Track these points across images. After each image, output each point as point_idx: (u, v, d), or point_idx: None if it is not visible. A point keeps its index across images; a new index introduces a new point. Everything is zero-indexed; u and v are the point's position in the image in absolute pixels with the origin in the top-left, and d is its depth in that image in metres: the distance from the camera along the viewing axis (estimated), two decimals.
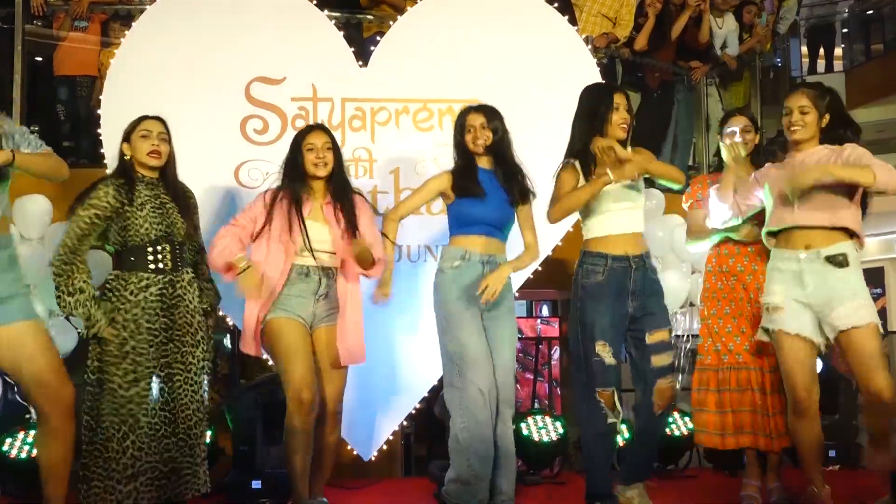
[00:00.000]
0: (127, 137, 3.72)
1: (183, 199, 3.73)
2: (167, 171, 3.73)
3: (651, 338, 3.67)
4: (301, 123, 4.94)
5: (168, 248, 3.60)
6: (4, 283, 2.93)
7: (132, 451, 3.46)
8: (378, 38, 5.34)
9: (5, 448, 4.35)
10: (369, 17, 5.95)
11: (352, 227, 3.82)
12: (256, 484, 4.26)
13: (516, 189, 3.87)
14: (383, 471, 5.07)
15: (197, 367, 3.64)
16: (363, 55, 5.22)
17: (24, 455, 4.33)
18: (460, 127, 3.92)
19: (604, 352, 3.62)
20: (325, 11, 5.18)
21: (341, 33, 5.17)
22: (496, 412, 3.75)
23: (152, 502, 3.50)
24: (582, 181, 3.68)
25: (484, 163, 3.91)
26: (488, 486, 3.77)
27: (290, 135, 4.83)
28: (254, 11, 5.03)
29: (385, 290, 3.91)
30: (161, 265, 3.58)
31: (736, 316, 4.06)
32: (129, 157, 3.70)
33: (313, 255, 3.78)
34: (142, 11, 5.17)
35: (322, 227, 3.83)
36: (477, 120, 3.87)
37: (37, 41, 6.17)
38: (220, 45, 4.96)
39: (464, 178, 3.86)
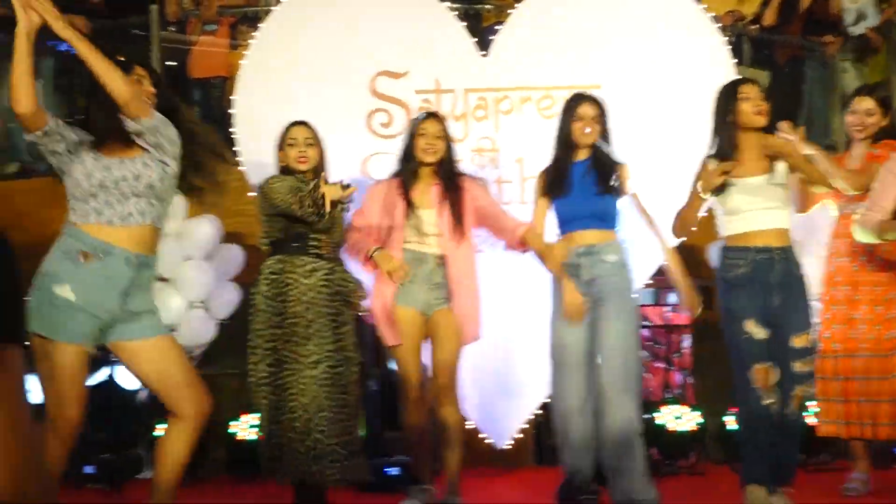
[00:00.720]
0: (281, 146, 3.84)
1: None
2: (317, 172, 3.79)
3: (797, 341, 3.57)
4: None
5: (326, 238, 3.72)
6: (140, 300, 3.04)
7: (315, 433, 3.57)
8: (497, 27, 5.33)
9: (232, 430, 4.69)
10: (488, 6, 5.96)
11: (457, 214, 3.87)
12: (394, 471, 4.34)
13: (606, 181, 3.81)
14: (516, 460, 5.07)
15: (308, 359, 3.65)
16: (484, 45, 5.22)
17: (251, 437, 4.60)
18: (569, 115, 3.87)
19: (752, 328, 3.54)
20: (446, 3, 5.21)
21: (463, 24, 5.19)
22: (606, 401, 3.70)
23: (337, 483, 3.64)
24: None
25: (582, 154, 3.86)
26: (588, 478, 3.75)
27: None
28: (376, 7, 5.12)
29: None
30: (321, 252, 3.70)
31: (864, 302, 3.90)
32: (284, 164, 3.83)
33: (423, 240, 3.86)
34: (268, 13, 5.33)
35: (429, 212, 3.89)
36: (589, 112, 3.82)
37: (171, 46, 6.46)
38: (345, 41, 5.06)
39: (551, 178, 3.87)
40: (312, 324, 3.64)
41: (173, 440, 3.08)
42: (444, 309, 3.90)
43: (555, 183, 3.83)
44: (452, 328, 3.88)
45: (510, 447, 4.93)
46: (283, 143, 3.84)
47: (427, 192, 3.93)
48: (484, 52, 5.14)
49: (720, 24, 5.80)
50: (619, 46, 5.04)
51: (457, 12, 5.29)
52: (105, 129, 3.01)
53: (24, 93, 2.89)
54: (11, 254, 1.15)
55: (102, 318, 2.94)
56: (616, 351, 3.70)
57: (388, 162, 4.93)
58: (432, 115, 4.04)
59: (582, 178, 3.81)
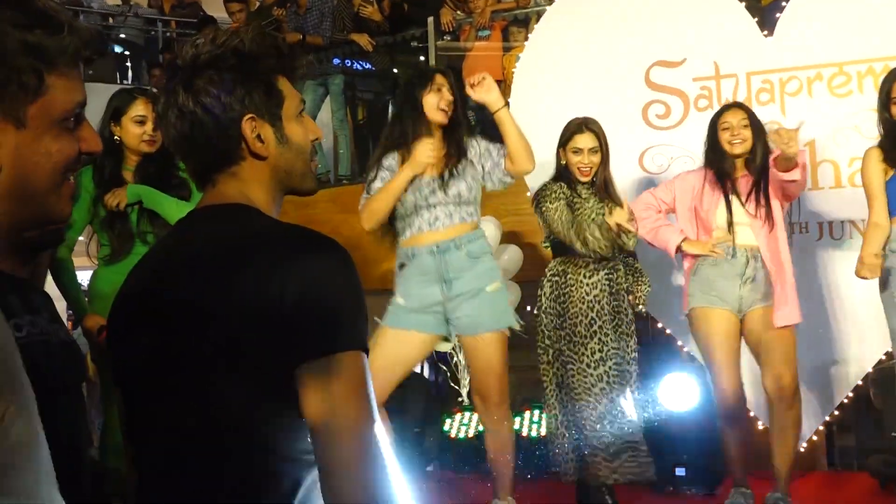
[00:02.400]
0: (563, 145, 3.81)
1: (612, 196, 3.74)
2: (598, 177, 3.76)
3: None
4: (704, 104, 4.82)
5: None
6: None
7: (609, 429, 3.60)
8: (783, 3, 5.00)
9: (446, 428, 4.82)
10: None
11: (766, 205, 3.63)
12: (680, 471, 4.22)
13: None
14: (809, 462, 4.76)
15: (591, 358, 3.64)
16: (766, 24, 4.94)
17: (462, 435, 4.76)
18: (884, 97, 3.54)
19: None
20: None
21: (742, 4, 4.94)
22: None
23: (638, 479, 3.65)
24: None
25: None
26: None
27: (694, 117, 4.79)
28: None
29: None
30: (599, 255, 3.67)
31: None
32: (564, 162, 3.80)
33: (734, 234, 3.66)
34: (539, 14, 5.39)
35: (738, 205, 3.68)
36: None
37: (447, 54, 6.73)
38: (618, 35, 5.01)
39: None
40: (594, 322, 3.63)
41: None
42: (763, 307, 3.66)
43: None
44: (780, 333, 3.64)
45: (804, 450, 4.62)
46: (566, 148, 3.78)
47: (736, 181, 3.71)
48: (766, 32, 4.85)
49: None
50: None
51: None
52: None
53: (379, 219, 3.34)
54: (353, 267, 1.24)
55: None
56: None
57: (665, 154, 4.86)
58: (734, 105, 3.86)
59: None
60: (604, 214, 3.63)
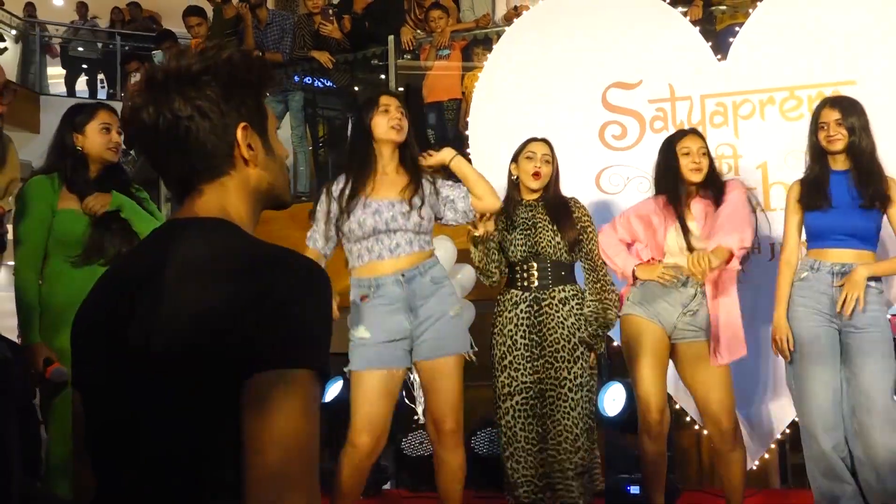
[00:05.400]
0: (515, 158, 3.84)
1: (564, 217, 3.72)
2: (548, 190, 3.79)
3: None
4: (659, 125, 4.90)
5: (536, 267, 3.68)
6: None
7: (511, 462, 3.61)
8: (737, 28, 5.12)
9: (402, 446, 4.81)
10: (722, 7, 5.74)
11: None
12: (634, 489, 4.25)
13: (870, 193, 3.48)
14: (761, 481, 4.82)
15: (573, 383, 3.60)
16: (720, 48, 5.04)
17: (418, 453, 4.74)
18: (814, 123, 3.61)
19: None
20: (679, 8, 5.08)
21: (697, 28, 5.04)
22: (859, 424, 3.41)
23: (587, 499, 3.61)
24: None
25: (839, 164, 3.56)
26: None
27: (649, 138, 4.85)
28: (606, 20, 5.10)
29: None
30: (527, 283, 3.68)
31: None
32: (515, 176, 3.82)
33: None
34: (499, 34, 5.44)
35: (693, 230, 3.67)
36: (831, 116, 3.52)
37: (407, 73, 6.77)
38: (575, 56, 5.08)
39: (809, 190, 3.56)
40: (505, 356, 3.64)
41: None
42: (693, 342, 3.66)
43: (811, 198, 3.54)
44: (715, 373, 3.61)
45: (756, 468, 4.68)
46: (520, 156, 3.81)
47: (692, 209, 3.70)
48: (720, 56, 4.95)
49: None
50: (875, 39, 4.67)
51: (690, 18, 5.13)
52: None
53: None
54: (327, 284, 1.25)
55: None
56: (871, 385, 3.39)
57: (621, 175, 4.92)
58: (692, 132, 3.83)
59: (842, 190, 3.52)
60: (540, 224, 3.69)
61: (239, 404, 1.16)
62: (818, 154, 3.59)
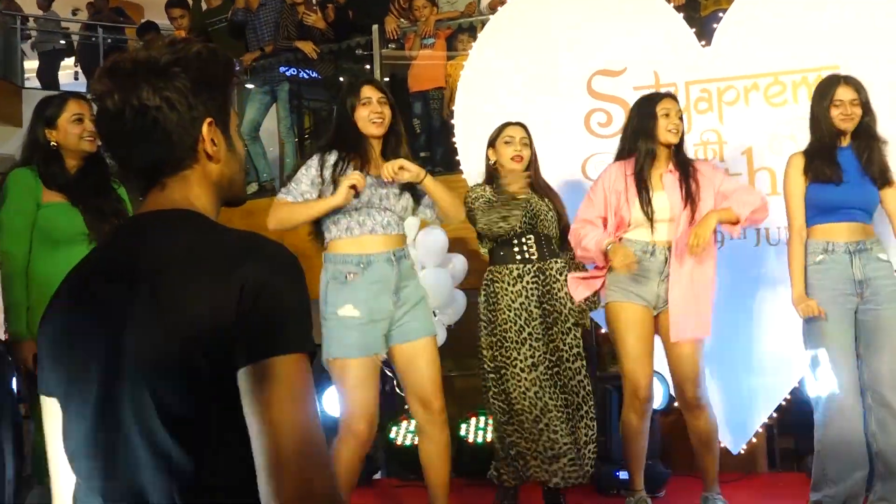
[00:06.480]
0: (492, 143, 3.87)
1: (553, 196, 3.89)
2: (529, 171, 3.81)
3: None
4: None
5: (533, 240, 3.76)
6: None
7: (547, 433, 3.62)
8: (720, 14, 5.12)
9: (392, 436, 4.81)
10: None
11: (691, 197, 3.62)
12: (623, 475, 4.27)
13: (877, 170, 3.52)
14: (749, 464, 4.85)
15: (569, 353, 3.72)
16: (704, 34, 5.04)
17: (407, 442, 4.75)
18: (825, 100, 3.56)
19: None
20: None
21: (681, 15, 5.04)
22: (875, 410, 3.42)
23: (577, 481, 3.67)
24: None
25: (844, 141, 3.58)
26: (855, 496, 3.42)
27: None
28: (590, 8, 5.09)
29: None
30: (527, 255, 3.74)
31: None
32: (493, 161, 3.87)
33: (652, 228, 3.61)
34: (483, 23, 5.43)
35: (661, 196, 3.64)
36: (847, 95, 3.51)
37: (392, 63, 6.75)
38: (560, 45, 5.07)
39: (818, 162, 3.53)
40: (523, 330, 3.67)
41: (424, 447, 3.31)
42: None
43: (824, 167, 3.50)
44: (682, 344, 3.63)
45: (744, 452, 4.71)
46: (497, 141, 3.84)
47: (658, 176, 3.66)
48: (704, 42, 4.96)
49: None
50: (858, 24, 4.68)
51: (673, 3, 5.13)
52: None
53: (286, 228, 3.23)
54: (300, 272, 1.26)
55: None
56: (888, 366, 3.41)
57: (607, 162, 4.91)
58: (669, 95, 3.79)
59: (850, 165, 3.53)
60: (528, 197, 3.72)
61: (230, 398, 1.17)
62: (828, 128, 3.56)
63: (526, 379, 3.65)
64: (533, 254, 3.76)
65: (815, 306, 3.46)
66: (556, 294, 3.74)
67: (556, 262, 3.80)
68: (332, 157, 3.24)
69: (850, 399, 3.41)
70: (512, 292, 3.71)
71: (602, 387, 4.58)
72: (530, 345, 3.67)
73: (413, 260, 3.37)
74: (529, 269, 3.73)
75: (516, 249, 3.76)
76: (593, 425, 3.73)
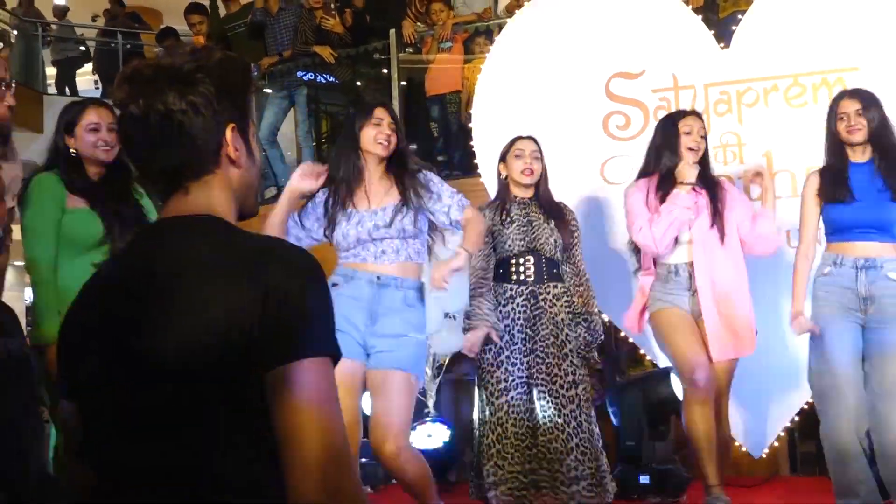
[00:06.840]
0: (503, 157, 3.86)
1: (559, 217, 3.78)
2: (539, 188, 3.81)
3: None
4: (663, 115, 4.87)
5: (532, 261, 3.71)
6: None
7: (496, 459, 3.57)
8: (739, 16, 5.10)
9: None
10: None
11: (719, 215, 3.66)
12: (644, 479, 4.25)
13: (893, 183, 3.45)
14: (771, 468, 4.83)
15: (564, 380, 3.61)
16: (723, 36, 5.02)
17: (423, 447, 4.74)
18: (831, 115, 3.56)
19: None
20: None
21: (699, 17, 5.02)
22: (877, 420, 3.36)
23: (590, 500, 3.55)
24: None
25: (858, 155, 3.53)
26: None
27: (653, 127, 4.79)
28: (608, 10, 5.07)
29: None
30: (523, 277, 3.70)
31: None
32: (504, 175, 3.86)
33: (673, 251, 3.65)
34: (501, 26, 5.43)
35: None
36: (851, 106, 3.48)
37: (409, 66, 6.77)
38: (578, 47, 5.06)
39: (830, 182, 3.51)
40: (502, 351, 3.64)
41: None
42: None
43: (834, 189, 3.49)
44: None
45: (766, 456, 4.69)
46: (508, 155, 3.82)
47: (680, 192, 3.65)
48: (723, 45, 4.94)
49: None
50: (878, 25, 4.64)
51: (692, 6, 5.11)
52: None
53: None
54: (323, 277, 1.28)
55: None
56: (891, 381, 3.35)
57: (626, 165, 4.90)
58: (694, 113, 3.81)
59: (865, 181, 3.48)
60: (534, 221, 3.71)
61: (240, 401, 1.19)
62: (837, 145, 3.55)
63: (494, 403, 3.60)
64: (529, 276, 3.70)
65: (805, 323, 3.47)
66: (553, 318, 3.66)
67: (556, 286, 3.72)
68: (324, 195, 3.21)
69: (852, 413, 3.35)
70: (500, 313, 3.67)
71: (620, 390, 4.58)
72: (506, 368, 3.61)
73: (413, 298, 3.14)
74: (522, 291, 3.69)
75: (513, 269, 3.72)
76: (584, 460, 3.55)
